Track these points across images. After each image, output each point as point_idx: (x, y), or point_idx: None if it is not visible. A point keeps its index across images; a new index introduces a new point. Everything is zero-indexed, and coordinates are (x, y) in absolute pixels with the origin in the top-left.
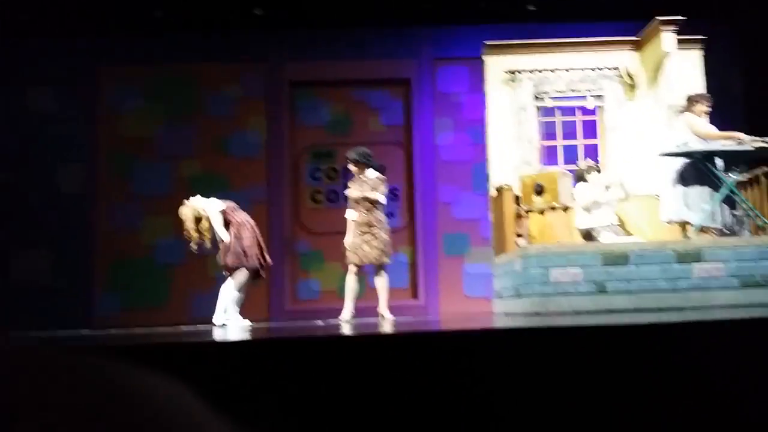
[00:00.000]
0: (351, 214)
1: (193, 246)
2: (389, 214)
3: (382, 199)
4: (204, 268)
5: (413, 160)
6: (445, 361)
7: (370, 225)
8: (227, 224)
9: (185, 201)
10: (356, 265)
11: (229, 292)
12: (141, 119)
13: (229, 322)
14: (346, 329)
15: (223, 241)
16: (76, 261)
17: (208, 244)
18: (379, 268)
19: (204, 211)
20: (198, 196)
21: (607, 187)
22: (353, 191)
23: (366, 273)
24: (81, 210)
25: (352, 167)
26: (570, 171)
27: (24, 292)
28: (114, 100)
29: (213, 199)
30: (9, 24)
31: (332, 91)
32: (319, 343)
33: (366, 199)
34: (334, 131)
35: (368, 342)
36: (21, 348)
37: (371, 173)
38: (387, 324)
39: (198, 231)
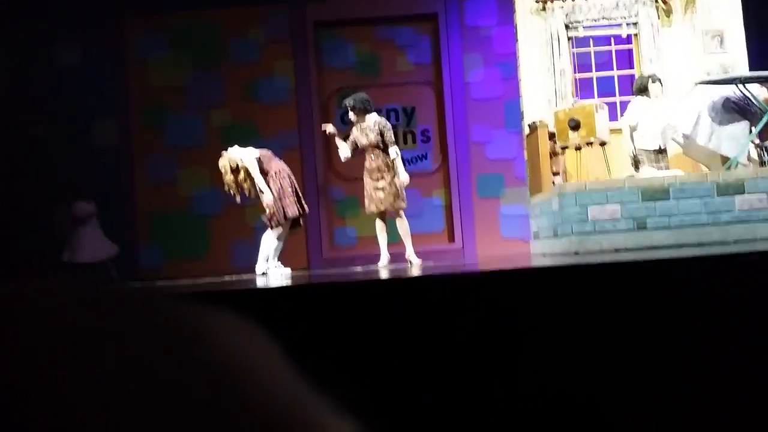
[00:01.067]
0: (343, 149)
1: (237, 197)
2: (421, 157)
3: (393, 151)
4: (242, 217)
5: (444, 100)
6: (485, 302)
7: (380, 170)
8: (264, 174)
9: (223, 152)
10: (375, 212)
11: (269, 241)
12: (169, 68)
13: (271, 271)
14: (383, 274)
15: (262, 191)
16: (117, 214)
17: (249, 194)
18: (396, 213)
19: (241, 161)
20: (235, 147)
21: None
22: (360, 138)
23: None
24: (117, 163)
25: (351, 115)
26: (607, 103)
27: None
28: (141, 50)
29: (249, 149)
30: None
31: (357, 30)
32: (358, 287)
33: (373, 145)
34: (362, 72)
35: (407, 285)
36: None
37: (371, 118)
38: (416, 268)
39: (237, 182)
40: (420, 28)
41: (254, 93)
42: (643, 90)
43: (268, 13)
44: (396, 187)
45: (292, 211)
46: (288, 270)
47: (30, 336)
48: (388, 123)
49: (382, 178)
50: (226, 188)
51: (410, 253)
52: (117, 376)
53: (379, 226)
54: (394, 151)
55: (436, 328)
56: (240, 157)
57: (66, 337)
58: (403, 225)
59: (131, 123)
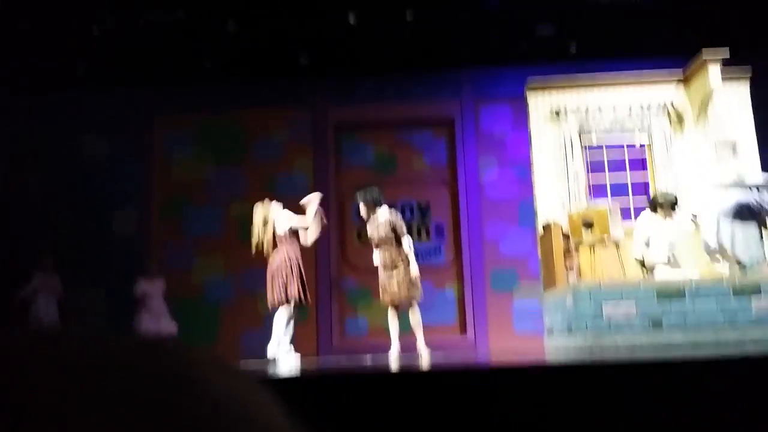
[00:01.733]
0: (376, 257)
1: (253, 245)
2: (435, 250)
3: (406, 243)
4: (254, 306)
5: (458, 198)
6: (497, 396)
7: (394, 262)
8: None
9: (261, 203)
10: (390, 304)
11: (280, 322)
12: (192, 164)
13: (281, 356)
14: (393, 365)
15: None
16: (131, 301)
17: (265, 250)
18: (409, 304)
19: (273, 220)
20: (276, 203)
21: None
22: (373, 233)
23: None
24: (135, 252)
25: (362, 210)
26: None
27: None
28: (167, 147)
29: (287, 216)
30: (67, 75)
31: (376, 133)
32: (365, 377)
33: (386, 238)
34: (379, 171)
35: (418, 377)
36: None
37: (383, 212)
38: (426, 360)
39: (259, 235)
40: (437, 132)
41: (274, 188)
42: (654, 208)
43: (291, 115)
44: (411, 277)
45: (293, 291)
46: (298, 355)
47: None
48: (399, 215)
49: (396, 268)
50: (253, 236)
51: (421, 344)
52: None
53: (391, 316)
54: (406, 243)
55: (446, 422)
56: (275, 215)
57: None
58: (415, 316)
59: (153, 214)
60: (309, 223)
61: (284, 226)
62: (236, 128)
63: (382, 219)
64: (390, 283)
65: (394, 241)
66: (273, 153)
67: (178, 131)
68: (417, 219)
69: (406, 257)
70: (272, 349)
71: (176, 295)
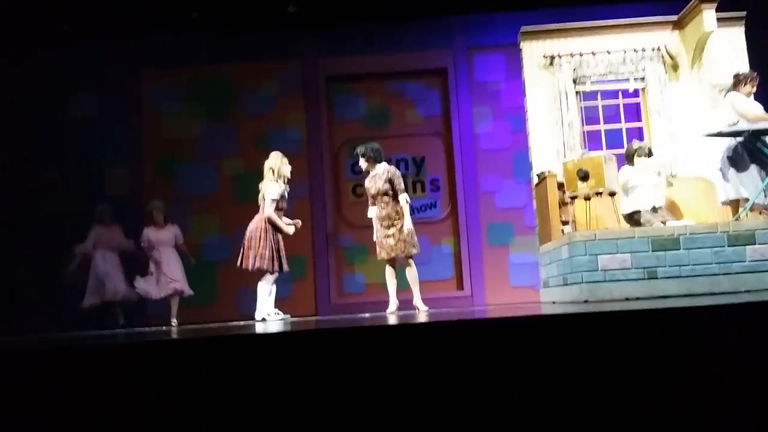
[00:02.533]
0: (371, 211)
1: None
2: (430, 205)
3: (403, 199)
4: None
5: (453, 150)
6: (493, 349)
7: (390, 218)
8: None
9: (275, 153)
10: (387, 259)
11: (263, 288)
12: (183, 120)
13: (271, 317)
14: (390, 320)
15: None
16: (127, 262)
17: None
18: (406, 259)
19: (275, 170)
20: (284, 160)
21: (658, 173)
22: (370, 187)
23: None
24: (128, 212)
25: (362, 163)
26: (616, 154)
27: (77, 293)
28: (156, 103)
29: (276, 192)
30: (51, 31)
31: (368, 84)
32: (365, 333)
33: (383, 193)
34: (372, 125)
35: (415, 331)
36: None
37: (381, 167)
38: (423, 315)
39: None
40: (430, 82)
41: (266, 144)
42: (629, 158)
43: (281, 68)
44: (406, 233)
45: (264, 262)
46: (288, 316)
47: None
48: (397, 171)
49: (393, 225)
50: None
51: (418, 299)
52: None
53: (389, 273)
54: (403, 198)
55: (444, 375)
56: (279, 170)
57: None
58: (412, 272)
59: (145, 172)
60: (283, 229)
61: (268, 198)
62: (226, 82)
63: (380, 173)
64: (386, 240)
65: (390, 197)
66: (264, 107)
67: (167, 86)
68: (412, 173)
69: (403, 213)
70: (259, 315)
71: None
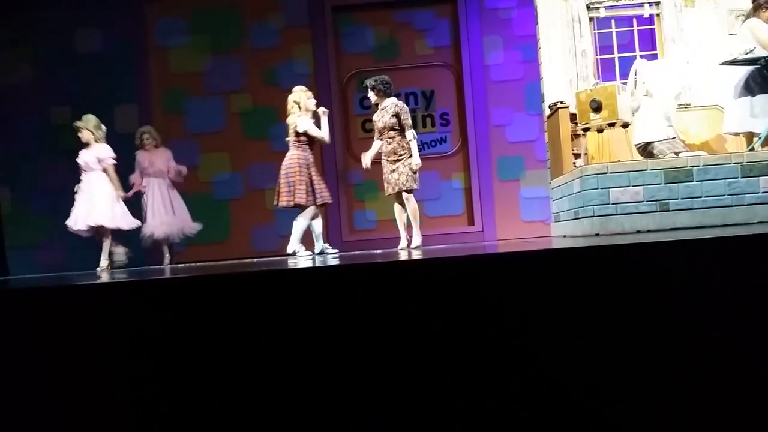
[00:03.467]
0: (375, 146)
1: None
2: (441, 140)
3: (410, 134)
4: (262, 202)
5: (463, 83)
6: (505, 283)
7: (396, 153)
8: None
9: (297, 88)
10: (393, 194)
11: (300, 223)
12: (189, 55)
13: (300, 252)
14: (401, 257)
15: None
16: (138, 201)
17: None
18: (407, 193)
19: (301, 104)
20: (306, 92)
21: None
22: (377, 121)
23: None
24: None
25: (371, 96)
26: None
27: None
28: (161, 37)
29: (307, 122)
30: None
31: (375, 14)
32: (377, 269)
33: (389, 127)
34: (380, 57)
35: (427, 267)
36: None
37: (389, 101)
38: (419, 250)
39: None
40: (439, 11)
41: (273, 78)
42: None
43: None
44: (410, 168)
45: (300, 197)
46: (336, 250)
47: None
48: (405, 106)
49: (398, 160)
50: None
51: (416, 235)
52: None
53: (398, 210)
54: (410, 133)
55: (454, 311)
56: (305, 105)
57: None
58: (410, 206)
59: (153, 109)
60: (325, 137)
61: (301, 129)
62: (230, 14)
63: (388, 107)
64: (391, 175)
65: (397, 132)
66: (270, 40)
67: (171, 19)
68: (422, 107)
69: (409, 148)
70: (289, 248)
71: (185, 192)
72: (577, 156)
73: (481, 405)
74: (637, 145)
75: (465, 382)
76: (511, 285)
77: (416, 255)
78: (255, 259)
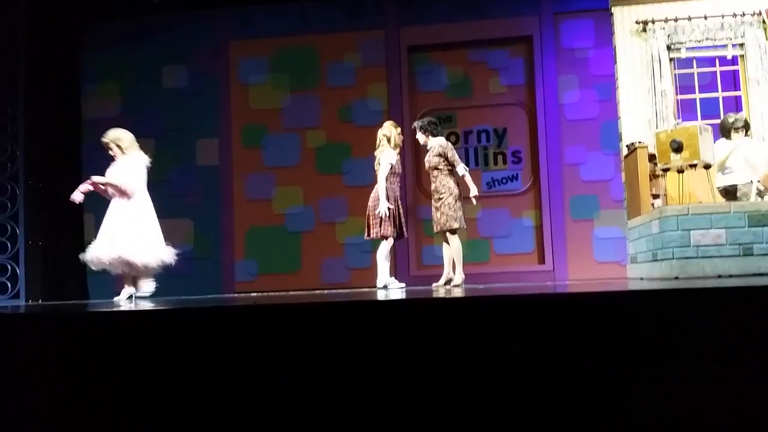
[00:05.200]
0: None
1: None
2: (512, 177)
3: (461, 170)
4: (333, 235)
5: (537, 121)
6: (575, 325)
7: (438, 192)
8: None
9: (387, 123)
10: (438, 233)
11: (383, 254)
12: (268, 92)
13: (392, 284)
14: (470, 293)
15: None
16: (215, 229)
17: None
18: (450, 233)
19: (391, 139)
20: (396, 127)
21: (757, 146)
22: (425, 161)
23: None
24: (217, 181)
25: (419, 137)
26: (711, 125)
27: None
28: (243, 74)
29: (390, 157)
30: (143, 1)
31: (450, 53)
32: (441, 304)
33: (433, 167)
34: (454, 95)
35: (495, 304)
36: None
37: (434, 141)
38: (459, 289)
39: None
40: (513, 50)
41: (348, 115)
42: (725, 132)
43: (364, 38)
44: (450, 208)
45: (384, 229)
46: (403, 284)
47: None
48: (449, 145)
49: (440, 199)
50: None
51: (458, 275)
52: None
53: (445, 247)
54: (461, 168)
55: (524, 350)
56: (395, 139)
57: None
58: (453, 244)
59: (233, 143)
60: (381, 202)
61: (384, 162)
62: (309, 53)
63: (434, 147)
64: (435, 213)
65: (440, 171)
66: (346, 78)
67: (253, 57)
68: (493, 145)
69: (449, 188)
70: (380, 282)
71: (259, 224)
72: (655, 197)
73: None
74: (719, 187)
75: (536, 420)
76: (584, 327)
77: (457, 292)
78: (329, 291)
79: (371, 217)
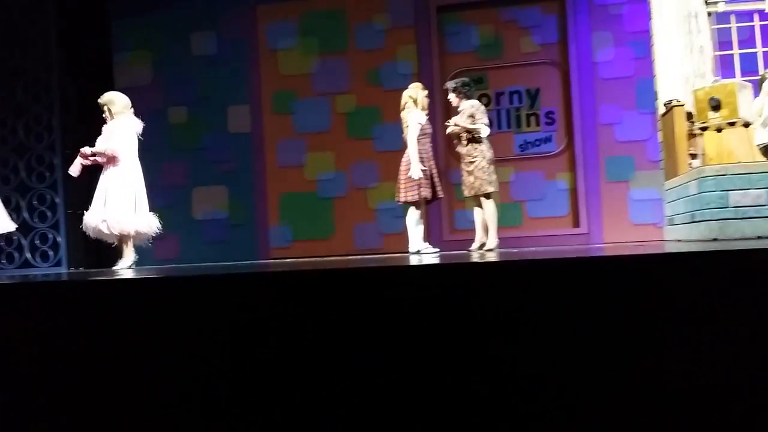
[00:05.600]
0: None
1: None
2: (545, 139)
3: (484, 131)
4: (364, 200)
5: (570, 80)
6: (612, 289)
7: (470, 155)
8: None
9: (414, 85)
10: (469, 197)
11: (413, 220)
12: (297, 56)
13: (425, 249)
14: (502, 257)
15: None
16: (249, 196)
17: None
18: (485, 197)
19: (418, 100)
20: (422, 88)
21: None
22: (453, 124)
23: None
24: (249, 148)
25: (452, 98)
26: (750, 81)
27: (206, 226)
28: (271, 40)
29: (417, 118)
30: None
31: (480, 12)
32: (470, 268)
33: (465, 130)
34: (485, 55)
35: (531, 268)
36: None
37: (467, 103)
38: (493, 253)
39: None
40: (546, 8)
41: (377, 78)
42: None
43: None
44: (483, 171)
45: (426, 192)
46: (437, 249)
47: None
48: (481, 106)
49: (472, 162)
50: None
51: (491, 239)
52: None
53: (477, 211)
54: (484, 130)
55: (559, 316)
56: (422, 101)
57: None
58: (488, 209)
59: (262, 110)
60: (414, 166)
61: (413, 123)
62: (337, 15)
63: (465, 109)
64: (467, 177)
65: (471, 133)
66: (375, 41)
67: (281, 22)
68: (526, 106)
69: (481, 151)
70: (412, 247)
71: (292, 190)
72: (693, 156)
73: (600, 410)
74: (759, 145)
75: (573, 392)
76: (621, 290)
77: (492, 257)
78: (362, 256)
79: (403, 180)
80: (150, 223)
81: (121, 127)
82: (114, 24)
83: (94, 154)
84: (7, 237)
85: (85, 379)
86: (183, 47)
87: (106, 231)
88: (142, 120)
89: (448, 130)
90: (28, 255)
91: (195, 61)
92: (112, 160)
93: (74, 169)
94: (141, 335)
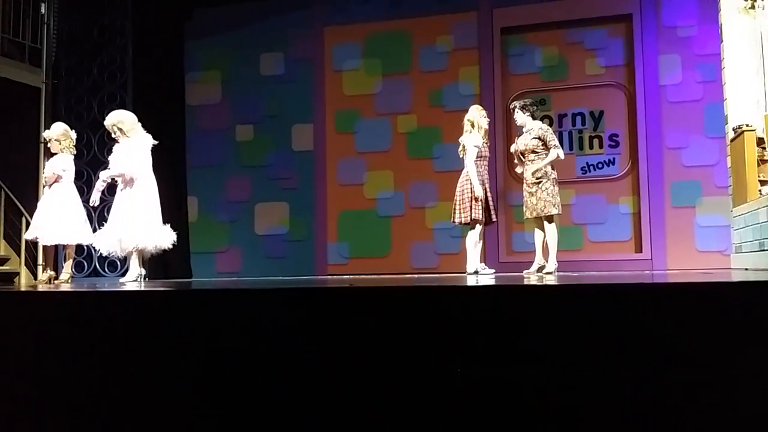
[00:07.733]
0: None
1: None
2: (608, 162)
3: (561, 155)
4: (422, 220)
5: (636, 103)
6: (675, 317)
7: (534, 177)
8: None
9: (474, 107)
10: (531, 218)
11: (473, 240)
12: (362, 77)
13: (483, 271)
14: (560, 281)
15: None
16: (309, 213)
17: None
18: (547, 219)
19: (475, 123)
20: (481, 111)
21: None
22: (521, 143)
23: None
24: (311, 166)
25: (518, 117)
26: None
27: (267, 241)
28: (337, 60)
29: (478, 135)
30: None
31: (545, 34)
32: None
33: (530, 150)
34: (548, 77)
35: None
36: None
37: (534, 124)
38: (552, 277)
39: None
40: (612, 30)
41: (438, 99)
42: None
43: (456, 20)
44: (548, 193)
45: (473, 214)
46: (493, 270)
47: None
48: (549, 129)
49: (536, 184)
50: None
51: (551, 262)
52: None
53: (537, 233)
54: (555, 153)
55: (618, 341)
56: (479, 121)
57: None
58: (550, 232)
59: (325, 129)
60: (474, 187)
61: (470, 146)
62: (402, 37)
63: (533, 129)
64: (530, 198)
65: (537, 155)
66: (438, 62)
67: (346, 43)
68: (589, 128)
69: (546, 173)
70: (470, 268)
71: (351, 208)
72: (763, 183)
73: None
74: None
75: (632, 412)
76: (685, 319)
77: (551, 280)
78: (418, 275)
79: (458, 202)
80: (166, 236)
81: (136, 147)
82: (187, 44)
83: (113, 179)
84: (79, 246)
85: (109, 384)
86: (252, 67)
87: (119, 248)
88: (211, 137)
89: (532, 174)
90: (97, 264)
91: (263, 80)
92: (130, 181)
93: (95, 198)
94: (160, 346)
